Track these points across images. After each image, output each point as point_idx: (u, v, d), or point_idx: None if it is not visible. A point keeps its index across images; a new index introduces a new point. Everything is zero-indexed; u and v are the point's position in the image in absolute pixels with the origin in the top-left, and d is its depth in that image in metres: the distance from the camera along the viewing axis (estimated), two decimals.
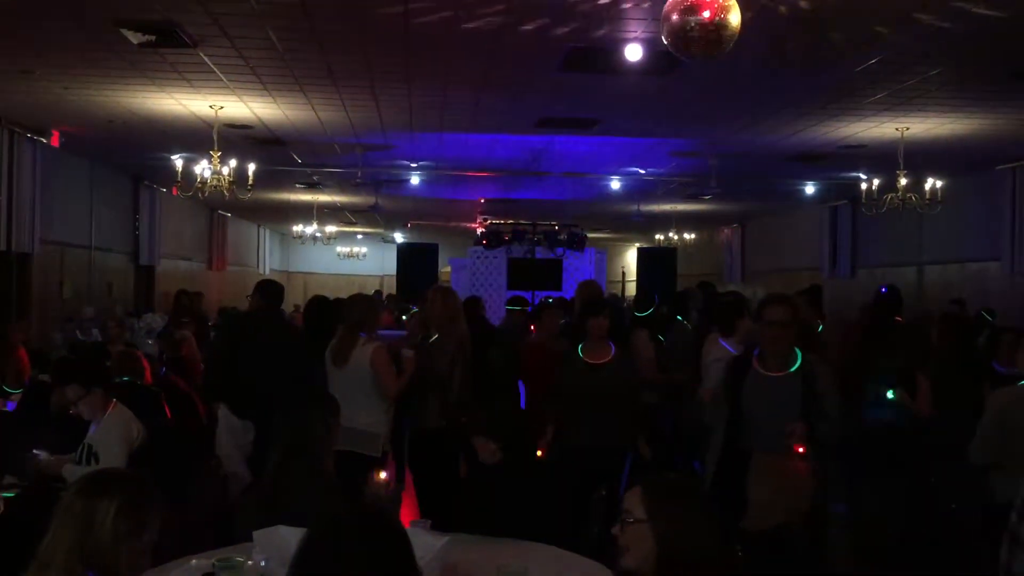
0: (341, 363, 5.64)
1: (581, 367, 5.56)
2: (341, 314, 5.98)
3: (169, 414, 6.00)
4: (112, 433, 4.70)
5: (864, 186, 9.95)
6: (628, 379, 5.66)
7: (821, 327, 7.35)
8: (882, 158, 9.72)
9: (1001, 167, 10.47)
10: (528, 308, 9.20)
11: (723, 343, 6.35)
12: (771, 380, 4.44)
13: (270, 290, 6.71)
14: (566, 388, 5.59)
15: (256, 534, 3.10)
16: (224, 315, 12.04)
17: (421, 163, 11.97)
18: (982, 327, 8.61)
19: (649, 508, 2.33)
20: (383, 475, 3.97)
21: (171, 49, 6.49)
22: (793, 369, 4.42)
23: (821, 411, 4.33)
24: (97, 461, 4.61)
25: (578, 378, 5.54)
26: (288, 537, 2.75)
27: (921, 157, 9.45)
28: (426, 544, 2.95)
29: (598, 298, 6.20)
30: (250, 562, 3.13)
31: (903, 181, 9.28)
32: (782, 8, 5.29)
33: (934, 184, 9.50)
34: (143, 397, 5.64)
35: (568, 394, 5.54)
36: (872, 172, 10.14)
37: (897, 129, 8.77)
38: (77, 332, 9.96)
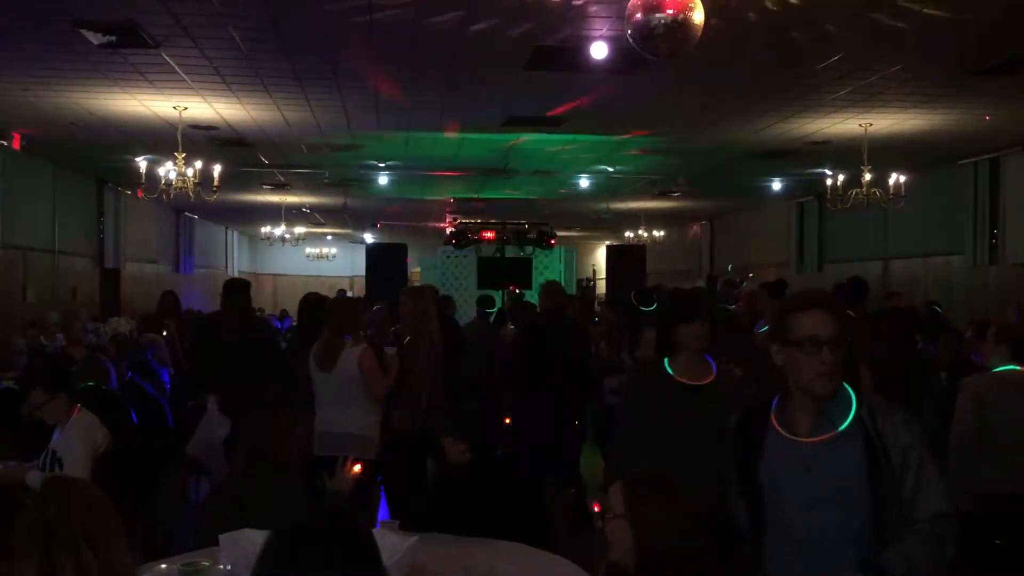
0: (328, 367, 5.58)
1: (675, 390, 3.81)
2: (324, 316, 5.96)
3: (136, 419, 5.94)
4: (76, 439, 4.64)
5: (829, 182, 10.05)
6: (734, 404, 3.69)
7: None
8: (846, 154, 9.83)
9: (963, 162, 10.61)
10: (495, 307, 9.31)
11: None
12: (812, 453, 2.57)
13: (233, 288, 7.00)
14: (649, 418, 3.82)
15: (222, 538, 3.06)
16: (195, 317, 11.93)
17: (389, 163, 11.93)
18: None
19: (628, 504, 2.34)
20: (357, 468, 3.93)
21: (132, 50, 6.42)
22: (844, 427, 2.57)
23: (904, 501, 2.51)
24: (61, 467, 4.54)
25: (670, 405, 3.79)
26: (254, 540, 2.72)
27: (885, 153, 9.56)
28: (394, 544, 2.94)
29: (694, 298, 4.33)
30: (220, 566, 3.11)
31: (867, 176, 9.39)
32: (743, 7, 5.33)
33: (898, 179, 9.62)
34: (108, 402, 5.57)
35: (652, 427, 3.80)
36: (837, 168, 10.25)
37: (861, 125, 8.86)
38: (41, 337, 9.82)
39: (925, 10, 5.33)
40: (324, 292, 7.74)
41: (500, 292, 13.72)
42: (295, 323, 8.52)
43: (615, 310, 8.26)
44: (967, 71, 6.91)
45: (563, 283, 16.24)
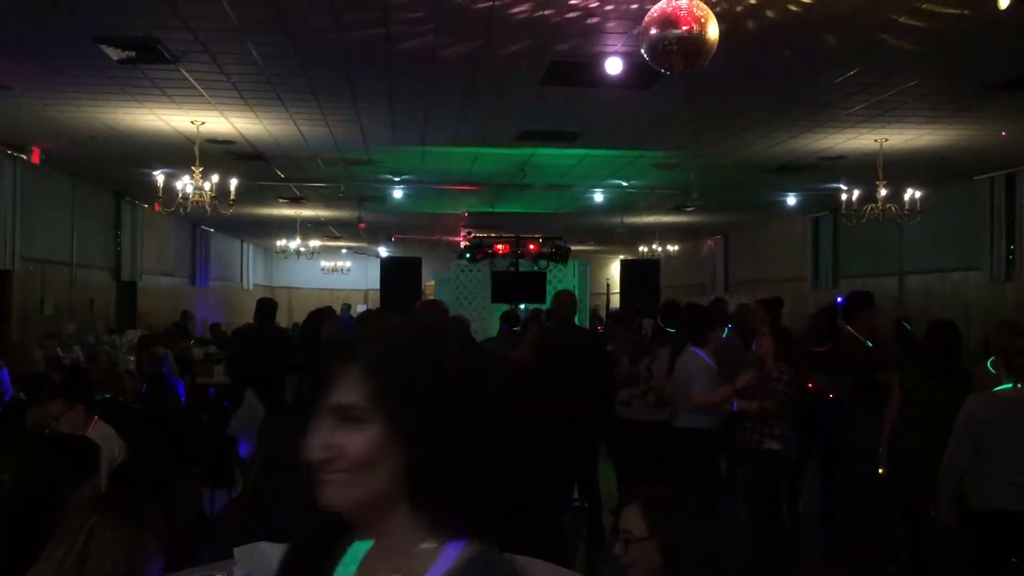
0: None
1: None
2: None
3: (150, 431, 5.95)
4: None
5: (844, 197, 10.02)
6: None
7: None
8: (862, 169, 9.80)
9: (979, 177, 10.57)
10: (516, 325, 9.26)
11: (696, 351, 6.39)
12: None
13: (262, 306, 8.65)
14: None
15: (237, 550, 3.08)
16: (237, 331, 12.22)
17: (404, 177, 11.98)
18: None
19: (651, 524, 2.32)
20: None
21: (151, 65, 6.48)
22: None
23: None
24: None
25: None
26: (269, 553, 2.73)
27: (900, 168, 9.53)
28: None
29: None
30: None
31: (883, 192, 9.35)
32: (758, 22, 5.34)
33: (913, 194, 9.58)
34: (124, 414, 5.60)
35: None
36: (852, 183, 10.22)
37: (876, 140, 8.84)
38: (58, 349, 9.87)
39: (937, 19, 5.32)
40: (340, 305, 8.06)
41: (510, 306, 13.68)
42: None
43: (622, 325, 8.26)
44: (983, 86, 6.89)
45: (577, 297, 16.34)
